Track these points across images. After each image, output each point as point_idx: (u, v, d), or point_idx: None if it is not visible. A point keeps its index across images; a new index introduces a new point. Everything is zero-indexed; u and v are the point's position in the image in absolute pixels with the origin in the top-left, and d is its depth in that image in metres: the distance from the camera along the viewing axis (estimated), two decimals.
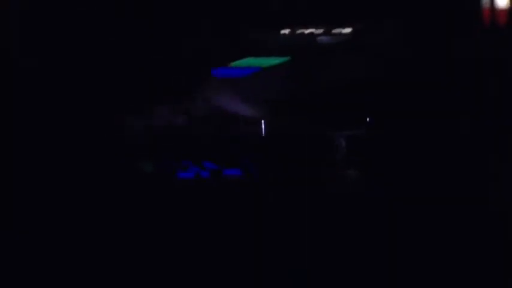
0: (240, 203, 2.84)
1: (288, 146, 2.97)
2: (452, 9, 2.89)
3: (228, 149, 3.05)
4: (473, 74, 2.86)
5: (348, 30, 3.00)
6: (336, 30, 3.00)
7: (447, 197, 2.68)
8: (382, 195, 2.74)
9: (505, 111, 2.81)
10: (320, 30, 3.03)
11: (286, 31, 3.09)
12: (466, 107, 2.84)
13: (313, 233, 2.66)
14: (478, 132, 2.81)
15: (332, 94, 2.98)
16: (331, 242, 2.61)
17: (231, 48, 3.10)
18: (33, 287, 2.58)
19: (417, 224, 2.60)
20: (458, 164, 2.75)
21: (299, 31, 3.06)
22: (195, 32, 3.08)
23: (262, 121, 3.05)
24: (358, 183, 2.89)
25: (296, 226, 2.69)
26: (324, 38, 3.02)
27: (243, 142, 3.06)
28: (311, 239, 2.64)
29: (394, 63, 2.94)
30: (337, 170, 2.91)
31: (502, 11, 2.87)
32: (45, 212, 2.81)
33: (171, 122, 3.06)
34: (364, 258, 2.53)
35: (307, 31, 3.04)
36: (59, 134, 2.97)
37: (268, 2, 3.07)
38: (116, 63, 3.06)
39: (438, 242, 2.54)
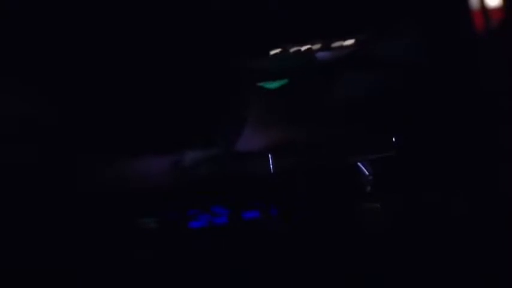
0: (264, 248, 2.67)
1: (302, 181, 2.74)
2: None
3: (240, 189, 2.79)
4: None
5: (350, 42, 2.69)
6: (337, 44, 2.68)
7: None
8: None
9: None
10: (318, 46, 2.71)
11: (278, 51, 2.75)
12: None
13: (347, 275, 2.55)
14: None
15: (346, 116, 2.71)
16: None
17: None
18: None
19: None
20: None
21: (294, 49, 2.73)
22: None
23: (269, 156, 2.77)
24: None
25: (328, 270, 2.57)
26: (324, 54, 2.71)
27: (254, 180, 2.79)
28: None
29: (406, 73, 2.68)
30: (366, 202, 2.69)
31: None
32: None
33: (171, 170, 2.76)
34: None
35: (303, 48, 2.72)
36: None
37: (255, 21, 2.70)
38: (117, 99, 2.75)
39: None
